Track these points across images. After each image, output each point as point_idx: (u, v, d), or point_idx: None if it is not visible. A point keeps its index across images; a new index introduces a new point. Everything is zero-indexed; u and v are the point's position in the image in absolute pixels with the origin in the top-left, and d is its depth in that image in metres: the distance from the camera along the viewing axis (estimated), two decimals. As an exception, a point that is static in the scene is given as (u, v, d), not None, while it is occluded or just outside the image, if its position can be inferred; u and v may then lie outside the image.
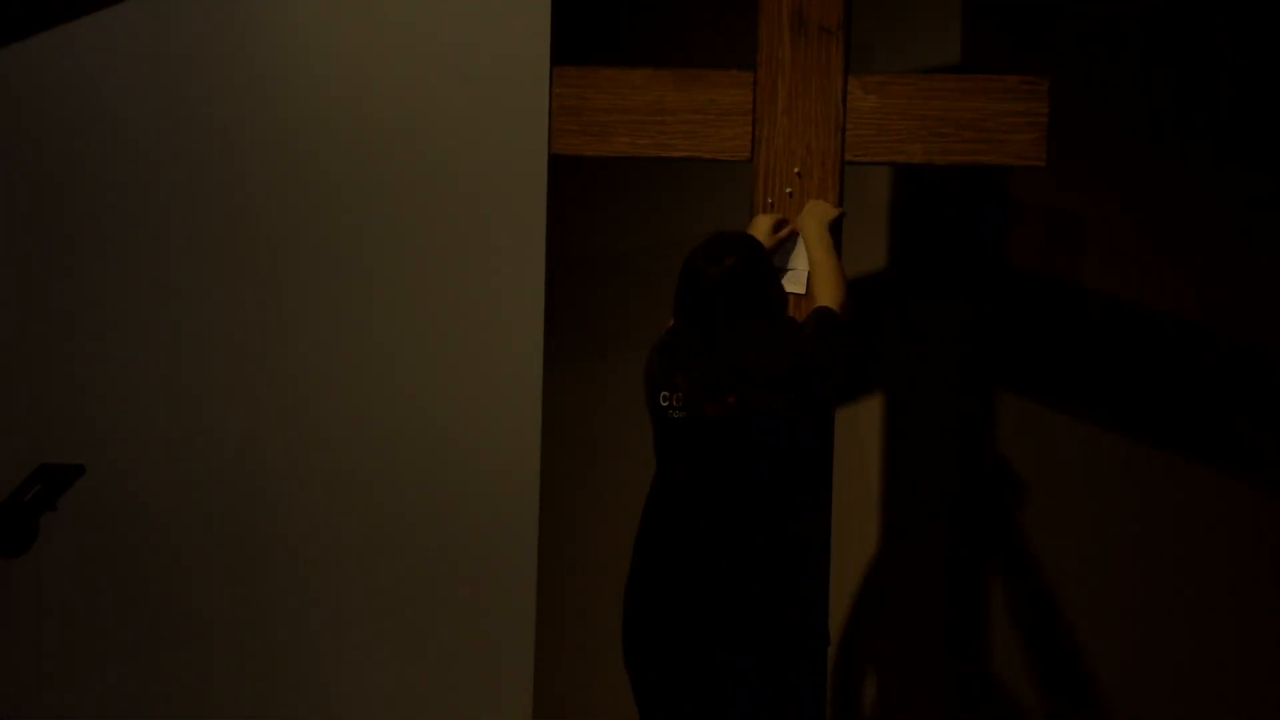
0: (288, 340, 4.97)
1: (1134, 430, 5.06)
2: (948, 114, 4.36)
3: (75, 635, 4.97)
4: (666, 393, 3.97)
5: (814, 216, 4.32)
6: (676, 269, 4.02)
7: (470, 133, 4.93)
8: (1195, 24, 4.99)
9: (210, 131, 4.95)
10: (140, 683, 5.00)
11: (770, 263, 4.05)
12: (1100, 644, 5.07)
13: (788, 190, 4.37)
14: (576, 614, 5.17)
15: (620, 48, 5.08)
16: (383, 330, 4.96)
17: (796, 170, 4.36)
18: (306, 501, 4.98)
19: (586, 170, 4.94)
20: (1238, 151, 5.00)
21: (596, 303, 5.20)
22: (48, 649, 4.98)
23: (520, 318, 4.95)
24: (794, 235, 4.35)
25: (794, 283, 4.35)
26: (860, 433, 5.11)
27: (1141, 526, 5.06)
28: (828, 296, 4.16)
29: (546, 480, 5.01)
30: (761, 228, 4.32)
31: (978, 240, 5.10)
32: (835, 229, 4.32)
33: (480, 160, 4.94)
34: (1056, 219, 5.08)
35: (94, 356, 4.96)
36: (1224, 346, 5.03)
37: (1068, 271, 5.08)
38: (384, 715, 5.00)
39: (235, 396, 4.97)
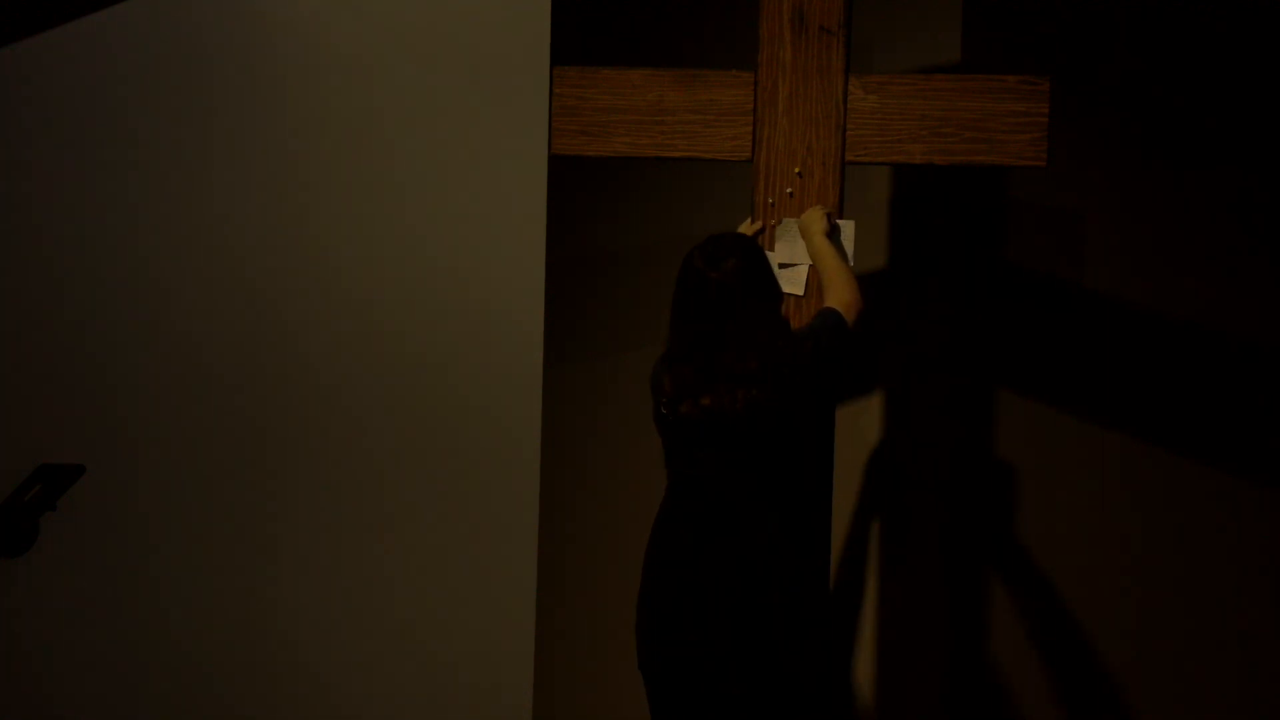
0: (287, 342, 4.97)
1: (1134, 429, 5.06)
2: (948, 114, 4.36)
3: (75, 635, 4.97)
4: (662, 396, 4.01)
5: (810, 231, 4.31)
6: (676, 269, 4.03)
7: (470, 133, 4.93)
8: (1195, 23, 5.00)
9: (209, 132, 4.95)
10: (140, 683, 4.99)
11: (768, 264, 4.07)
12: (1100, 643, 5.07)
13: (788, 190, 4.37)
14: (576, 615, 5.17)
15: (620, 48, 5.08)
16: (383, 330, 4.96)
17: (797, 170, 4.36)
18: (306, 503, 4.98)
19: (586, 170, 4.94)
20: (1237, 151, 5.00)
21: (596, 303, 5.20)
22: (48, 649, 4.97)
23: (520, 317, 4.95)
24: (794, 234, 4.35)
25: (793, 283, 4.35)
26: (860, 432, 5.11)
27: (1141, 526, 5.06)
28: (833, 299, 4.16)
29: (546, 480, 5.01)
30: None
31: (978, 240, 5.10)
32: (834, 235, 4.32)
33: (480, 160, 4.94)
34: (1056, 219, 5.09)
35: (94, 356, 4.95)
36: (1224, 346, 5.03)
37: (1067, 271, 5.08)
38: (384, 716, 4.99)
39: (235, 398, 4.96)
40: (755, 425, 3.92)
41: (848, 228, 4.36)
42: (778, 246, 4.36)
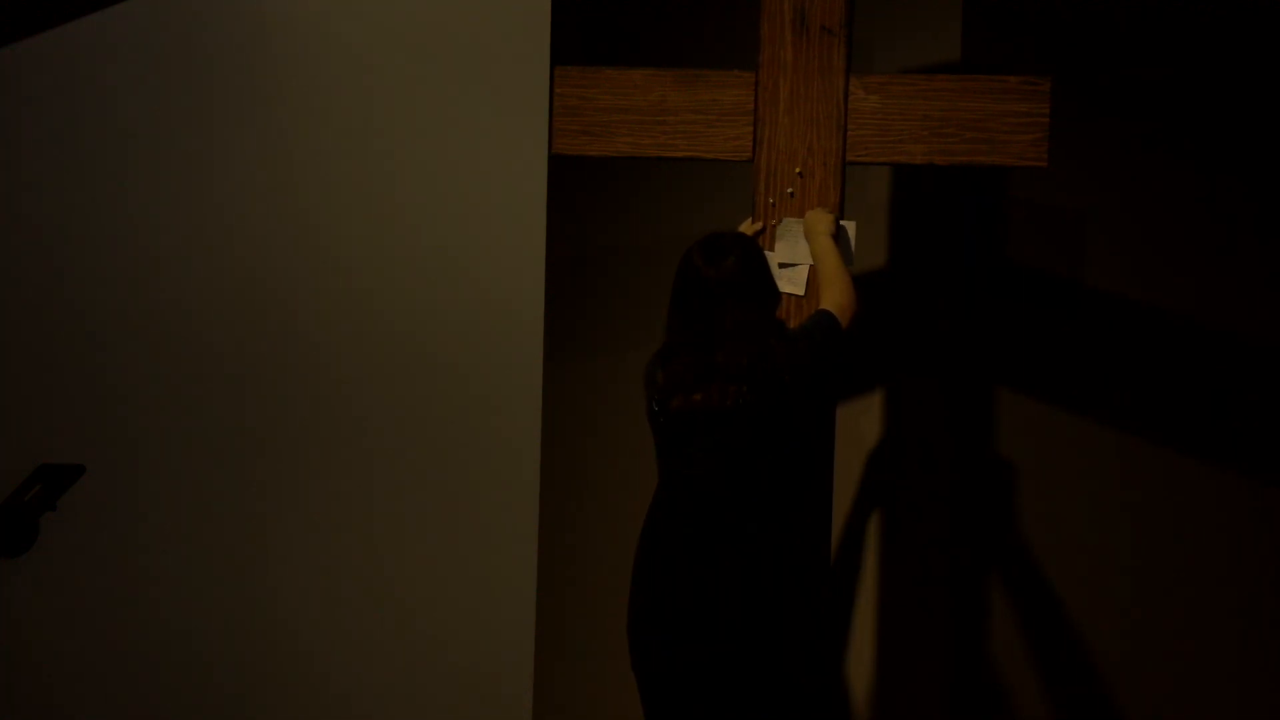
0: (287, 341, 4.96)
1: (1134, 428, 5.06)
2: (949, 114, 4.36)
3: (75, 635, 4.97)
4: (654, 392, 4.01)
5: (815, 232, 4.32)
6: (676, 268, 4.03)
7: (470, 133, 4.93)
8: (1195, 23, 5.00)
9: (209, 132, 4.95)
10: (140, 682, 4.99)
11: (767, 264, 4.07)
12: (1099, 642, 5.08)
13: (789, 190, 4.37)
14: (576, 614, 5.17)
15: (621, 48, 5.08)
16: (383, 329, 4.96)
17: (798, 170, 4.36)
18: (306, 502, 4.98)
19: (587, 170, 4.94)
20: (1238, 151, 5.01)
21: (596, 302, 5.20)
22: (48, 649, 4.97)
23: (520, 316, 4.95)
24: (795, 234, 4.35)
25: (793, 283, 4.35)
26: (860, 432, 5.12)
27: (1141, 525, 5.06)
28: (828, 301, 4.17)
29: (546, 479, 5.01)
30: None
31: (978, 240, 5.10)
32: (838, 238, 4.33)
33: (480, 160, 4.94)
34: (1056, 218, 5.09)
35: (94, 356, 4.95)
36: (1224, 346, 5.03)
37: (1068, 270, 5.08)
38: (384, 715, 4.99)
39: (235, 398, 4.96)
40: (745, 423, 3.92)
41: (849, 228, 4.36)
42: (778, 246, 4.36)
